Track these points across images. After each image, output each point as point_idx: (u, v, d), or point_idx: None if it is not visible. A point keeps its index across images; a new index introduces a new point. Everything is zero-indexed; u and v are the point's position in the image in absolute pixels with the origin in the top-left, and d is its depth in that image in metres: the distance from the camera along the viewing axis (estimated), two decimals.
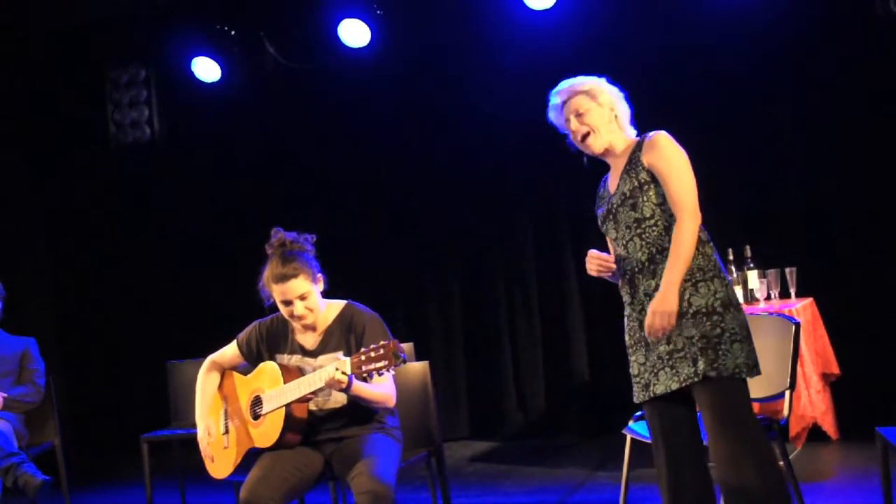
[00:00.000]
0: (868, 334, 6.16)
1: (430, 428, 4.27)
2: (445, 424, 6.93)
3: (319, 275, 3.86)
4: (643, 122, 6.90)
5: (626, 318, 3.56)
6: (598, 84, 3.57)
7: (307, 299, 3.78)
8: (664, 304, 3.27)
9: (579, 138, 3.53)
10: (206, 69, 7.28)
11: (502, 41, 6.92)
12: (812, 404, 5.46)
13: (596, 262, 3.49)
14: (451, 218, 7.37)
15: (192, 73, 7.29)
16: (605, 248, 7.04)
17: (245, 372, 3.99)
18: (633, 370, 3.50)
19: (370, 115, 7.44)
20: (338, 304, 3.94)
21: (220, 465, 3.96)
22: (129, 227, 8.06)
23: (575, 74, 7.35)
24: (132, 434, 5.79)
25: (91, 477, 6.99)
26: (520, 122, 7.02)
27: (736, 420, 3.26)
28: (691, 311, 3.30)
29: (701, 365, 3.24)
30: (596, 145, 3.52)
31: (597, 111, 3.51)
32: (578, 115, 3.51)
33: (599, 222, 3.62)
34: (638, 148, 3.48)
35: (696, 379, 3.26)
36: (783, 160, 6.43)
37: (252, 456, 3.84)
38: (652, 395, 3.40)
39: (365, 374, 3.47)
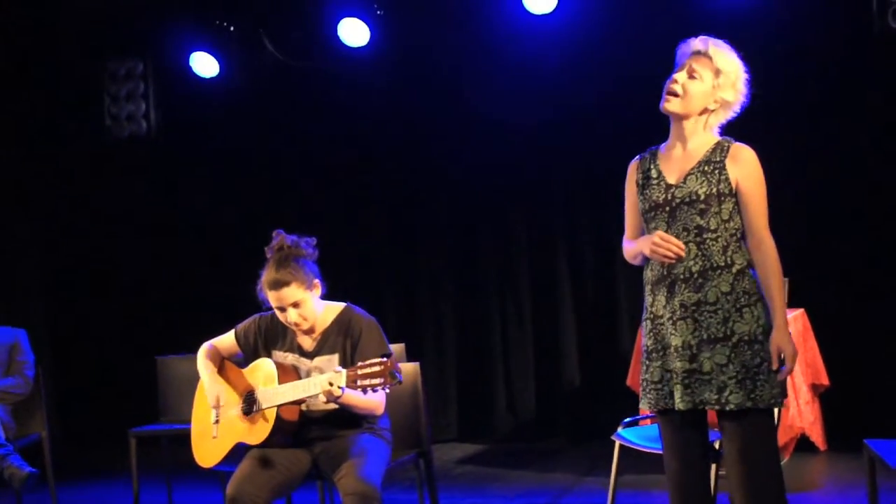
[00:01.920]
0: (858, 347, 6.18)
1: (419, 429, 4.26)
2: (435, 426, 6.93)
3: (317, 281, 3.82)
4: (641, 129, 6.89)
5: (648, 321, 3.34)
6: (737, 78, 3.32)
7: (300, 307, 3.76)
8: (794, 344, 3.17)
9: (671, 86, 3.29)
10: (205, 64, 7.26)
11: (502, 45, 6.93)
12: (801, 415, 5.47)
13: (667, 249, 3.19)
14: (446, 219, 7.38)
15: (190, 67, 7.28)
16: (599, 237, 7.02)
17: (241, 365, 3.98)
18: (654, 376, 3.30)
19: (367, 115, 7.44)
20: (336, 307, 3.92)
21: (207, 454, 3.95)
22: (122, 220, 8.04)
23: (575, 80, 7.35)
24: (120, 428, 5.77)
25: (77, 470, 6.96)
26: (516, 125, 7.04)
27: (763, 453, 3.20)
28: (734, 338, 3.16)
29: (731, 395, 3.14)
30: (669, 107, 3.28)
31: (705, 88, 3.29)
32: (691, 72, 3.28)
33: (646, 207, 3.33)
34: (721, 151, 3.29)
35: (716, 407, 3.16)
36: (776, 173, 6.43)
37: (239, 450, 3.83)
38: (674, 405, 3.23)
39: (359, 389, 3.46)
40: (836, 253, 6.26)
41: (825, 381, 5.75)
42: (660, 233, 3.24)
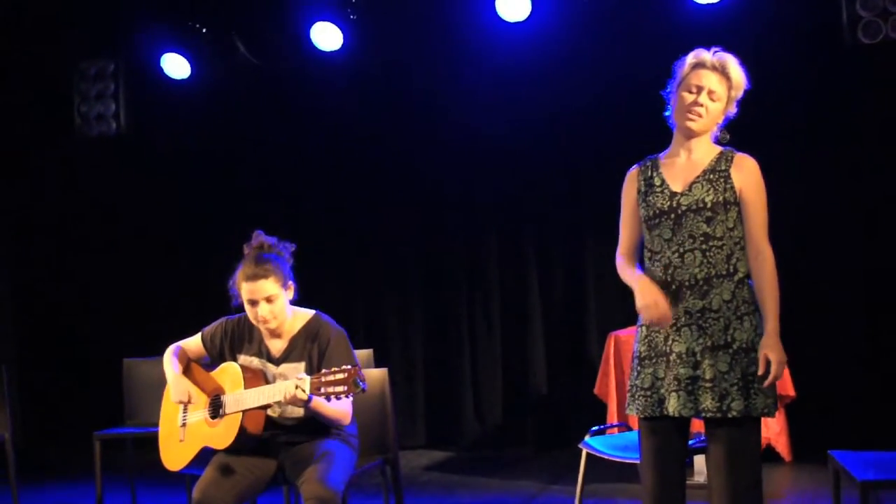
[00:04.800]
0: (824, 359, 6.22)
1: (387, 435, 4.25)
2: (402, 433, 6.91)
3: (291, 283, 3.84)
4: (615, 137, 6.93)
5: (643, 327, 3.37)
6: (740, 90, 3.40)
7: (273, 303, 3.76)
8: (783, 352, 3.21)
9: (691, 105, 3.34)
10: (176, 66, 7.23)
11: (475, 53, 6.95)
12: (766, 425, 5.50)
13: (660, 315, 3.22)
14: (416, 226, 7.36)
15: (161, 69, 7.24)
16: (569, 246, 7.01)
17: (208, 368, 3.96)
18: (645, 383, 3.31)
19: (338, 120, 7.41)
20: (306, 314, 3.92)
21: (173, 457, 3.93)
22: (90, 221, 7.96)
23: (548, 87, 7.33)
24: (85, 430, 5.71)
25: (41, 472, 6.90)
26: (488, 132, 7.05)
27: (748, 461, 3.22)
28: (734, 345, 3.21)
29: (734, 403, 3.17)
30: (696, 126, 3.34)
31: (720, 107, 3.37)
32: (711, 93, 3.33)
33: (650, 214, 3.36)
34: (726, 161, 3.33)
35: (717, 414, 3.18)
36: None
37: (205, 454, 3.81)
38: (664, 412, 3.25)
39: (323, 395, 3.46)
40: (804, 267, 6.29)
41: (791, 392, 5.79)
42: (658, 299, 3.22)
